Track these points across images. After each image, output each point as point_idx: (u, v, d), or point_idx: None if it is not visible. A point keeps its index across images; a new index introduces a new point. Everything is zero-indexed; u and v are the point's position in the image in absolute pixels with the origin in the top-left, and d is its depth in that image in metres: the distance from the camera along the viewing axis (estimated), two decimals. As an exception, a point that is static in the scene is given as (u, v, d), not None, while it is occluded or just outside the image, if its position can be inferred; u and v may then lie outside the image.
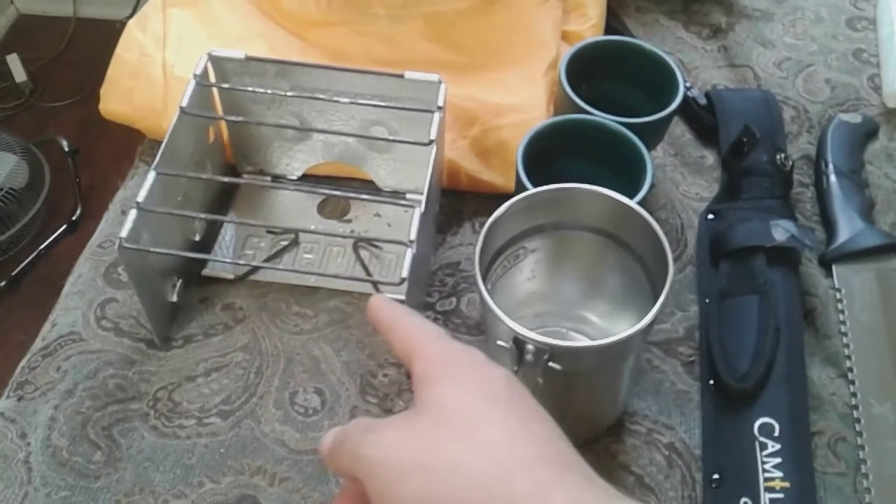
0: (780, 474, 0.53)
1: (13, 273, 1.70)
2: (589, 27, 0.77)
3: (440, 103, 0.60)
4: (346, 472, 0.33)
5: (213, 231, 0.68)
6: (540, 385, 0.43)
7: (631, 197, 0.54)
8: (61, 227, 1.77)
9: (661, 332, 0.62)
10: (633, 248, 0.52)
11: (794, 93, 0.79)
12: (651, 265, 0.51)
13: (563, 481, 0.29)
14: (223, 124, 0.68)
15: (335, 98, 0.62)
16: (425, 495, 0.29)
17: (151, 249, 0.55)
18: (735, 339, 0.59)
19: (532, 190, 0.52)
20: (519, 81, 0.72)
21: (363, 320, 0.63)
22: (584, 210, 0.53)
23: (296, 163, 0.71)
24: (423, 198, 0.55)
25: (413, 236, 0.53)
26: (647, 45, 0.65)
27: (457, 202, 0.70)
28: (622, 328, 0.44)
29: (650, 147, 0.60)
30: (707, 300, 0.63)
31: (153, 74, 0.71)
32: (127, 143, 0.77)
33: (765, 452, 0.54)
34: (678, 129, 0.76)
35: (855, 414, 0.57)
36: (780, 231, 0.62)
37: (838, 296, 0.63)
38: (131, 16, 0.76)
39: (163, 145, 0.57)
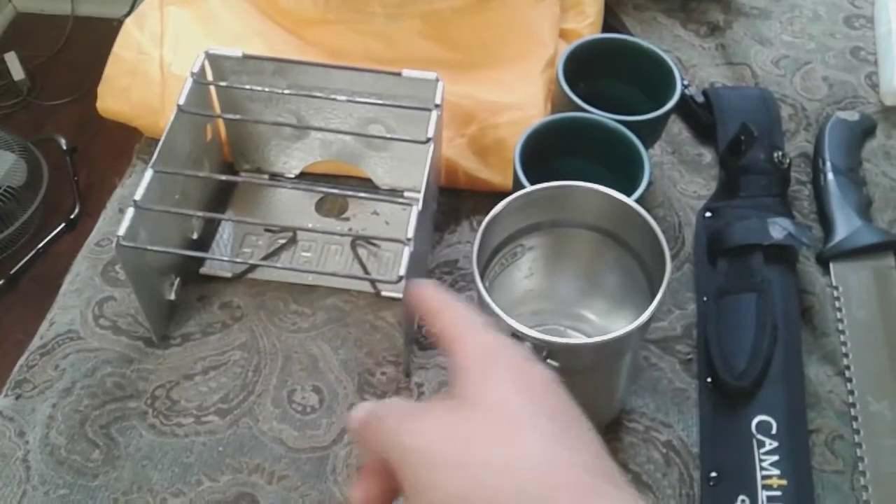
0: (777, 472, 0.53)
1: (11, 272, 1.70)
2: (587, 25, 0.77)
3: (437, 101, 0.60)
4: (377, 450, 0.33)
5: (210, 229, 0.68)
6: None
7: (628, 195, 0.54)
8: (59, 225, 1.77)
9: (659, 329, 0.62)
10: (630, 245, 0.52)
11: (792, 91, 0.79)
12: (649, 263, 0.51)
13: (602, 492, 0.28)
14: (221, 122, 0.68)
15: (332, 96, 0.62)
16: (461, 493, 0.29)
17: (149, 248, 0.55)
18: (733, 336, 0.59)
19: (529, 188, 0.52)
20: (516, 79, 0.72)
21: (361, 318, 0.63)
22: (582, 208, 0.53)
23: (293, 161, 0.71)
24: (421, 196, 0.55)
25: (410, 234, 0.53)
26: (645, 43, 0.65)
27: (454, 200, 0.70)
28: (620, 326, 0.44)
29: (648, 145, 0.60)
30: (705, 298, 0.63)
31: (150, 73, 0.71)
32: (125, 142, 0.77)
33: (762, 450, 0.54)
34: (676, 126, 0.76)
35: (852, 412, 0.58)
36: (778, 229, 0.62)
37: (836, 293, 0.64)
38: (129, 14, 0.76)
39: (160, 143, 0.57)
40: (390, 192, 0.71)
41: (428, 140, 0.58)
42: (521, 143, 0.58)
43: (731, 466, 0.54)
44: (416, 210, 0.54)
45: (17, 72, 2.05)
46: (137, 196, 0.55)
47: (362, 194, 0.64)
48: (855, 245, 0.65)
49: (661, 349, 0.61)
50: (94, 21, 2.16)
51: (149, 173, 0.56)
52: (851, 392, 0.58)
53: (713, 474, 0.54)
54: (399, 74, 0.62)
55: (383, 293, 0.64)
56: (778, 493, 0.52)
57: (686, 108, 0.76)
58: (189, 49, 0.66)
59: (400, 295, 0.53)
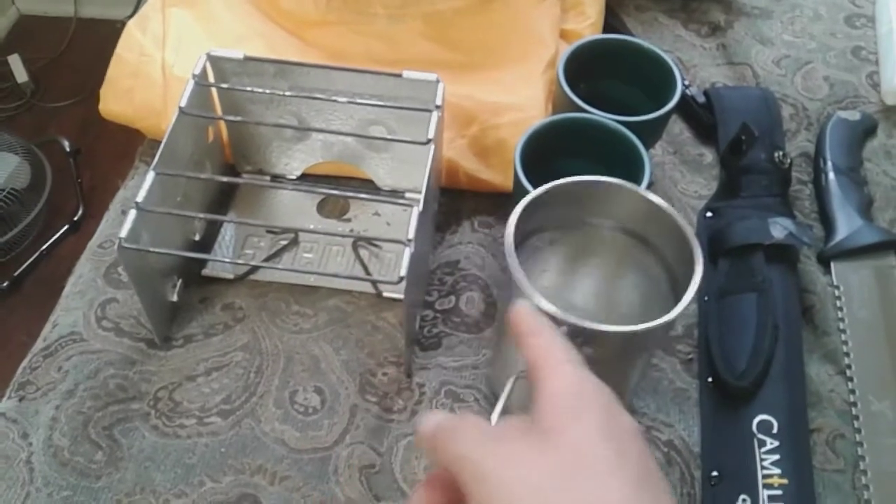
0: (778, 471, 0.53)
1: (15, 273, 1.70)
2: (587, 25, 0.78)
3: (438, 102, 0.60)
4: (446, 464, 0.33)
5: (212, 231, 0.68)
6: None
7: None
8: (63, 227, 1.77)
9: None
10: (658, 249, 0.51)
11: (793, 90, 0.79)
12: (675, 268, 0.49)
13: None
14: (222, 124, 0.68)
15: (334, 97, 0.62)
16: None
17: (151, 249, 0.56)
18: (734, 336, 0.59)
19: (564, 180, 0.50)
20: (517, 80, 0.72)
21: (363, 319, 0.63)
22: (612, 206, 0.51)
23: (295, 162, 0.71)
24: (422, 197, 0.55)
25: (411, 235, 0.53)
26: (645, 44, 0.65)
27: (456, 201, 0.70)
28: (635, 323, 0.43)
29: (648, 145, 0.60)
30: (706, 298, 0.63)
31: (153, 74, 0.71)
32: (128, 144, 0.77)
33: (763, 450, 0.54)
34: (677, 127, 0.76)
35: (853, 411, 0.58)
36: (779, 229, 0.62)
37: (837, 293, 0.64)
38: (132, 16, 0.76)
39: (162, 145, 0.58)
40: (391, 193, 0.71)
41: (429, 141, 0.58)
42: (521, 143, 0.58)
43: (733, 466, 0.54)
44: (416, 211, 0.54)
45: (21, 74, 2.05)
46: (139, 198, 0.55)
47: (363, 195, 0.64)
48: (856, 244, 0.65)
49: (663, 349, 0.61)
50: (98, 23, 2.16)
51: (150, 175, 0.56)
52: (852, 391, 0.58)
53: (714, 474, 0.54)
54: (400, 76, 0.62)
55: (385, 294, 0.64)
56: (779, 492, 0.52)
57: (687, 109, 0.76)
58: (191, 51, 0.67)
59: (401, 296, 0.53)
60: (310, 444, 0.57)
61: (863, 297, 0.63)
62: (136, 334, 0.62)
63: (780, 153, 0.67)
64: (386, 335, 0.62)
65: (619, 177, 0.58)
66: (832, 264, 0.65)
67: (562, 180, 0.50)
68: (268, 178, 0.72)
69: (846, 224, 0.66)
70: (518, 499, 0.29)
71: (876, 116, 0.76)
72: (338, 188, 0.66)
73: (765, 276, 0.61)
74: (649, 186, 0.56)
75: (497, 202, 0.69)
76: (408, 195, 0.70)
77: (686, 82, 0.77)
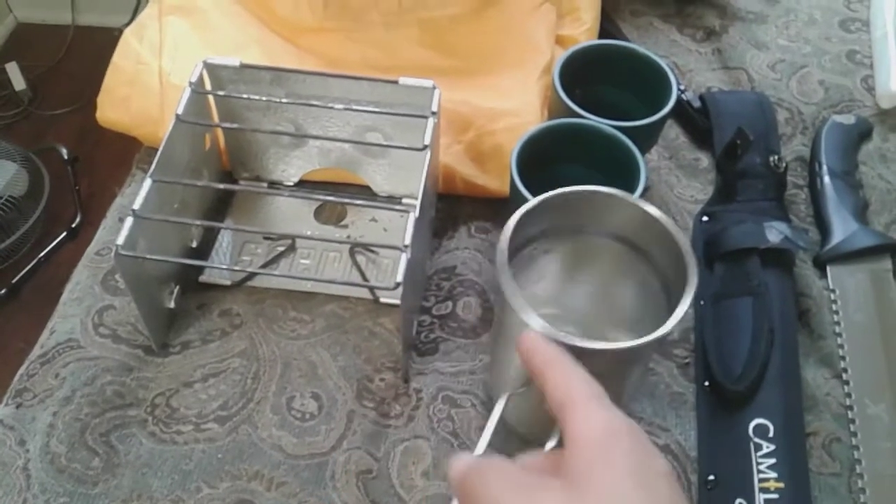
0: (774, 475, 0.53)
1: (13, 281, 1.70)
2: (583, 31, 0.78)
3: (434, 108, 0.60)
4: None
5: (210, 237, 0.68)
6: None
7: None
8: (61, 234, 1.77)
9: (657, 334, 0.62)
10: (652, 257, 0.51)
11: (788, 94, 0.79)
12: (669, 276, 0.49)
13: None
14: (219, 131, 0.69)
15: (330, 104, 0.62)
16: None
17: (148, 256, 0.56)
18: (730, 340, 0.59)
19: (558, 190, 0.49)
20: (513, 86, 0.72)
21: (360, 325, 0.63)
22: (606, 215, 0.51)
23: (292, 169, 0.71)
24: (418, 202, 0.55)
25: (408, 241, 0.53)
26: (640, 49, 0.66)
27: (453, 206, 0.71)
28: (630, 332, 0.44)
29: (644, 150, 0.61)
30: (702, 302, 0.63)
31: (150, 82, 0.71)
32: (126, 151, 0.77)
33: (759, 453, 0.54)
34: (673, 131, 0.77)
35: (849, 414, 0.58)
36: (774, 233, 0.62)
37: (833, 297, 0.64)
38: (129, 24, 0.76)
39: (159, 153, 0.58)
40: (388, 199, 0.71)
41: (425, 147, 0.58)
42: (517, 149, 0.58)
43: (729, 470, 0.54)
44: (413, 217, 0.54)
45: (19, 82, 2.06)
46: (136, 205, 0.55)
47: (360, 201, 0.64)
48: (852, 248, 0.65)
49: (659, 353, 0.61)
50: (95, 31, 2.17)
51: (147, 182, 0.56)
52: (849, 395, 0.59)
53: (711, 478, 0.54)
54: (396, 82, 0.62)
55: (382, 300, 0.64)
56: (775, 496, 0.52)
57: (683, 113, 0.77)
58: (188, 59, 0.67)
59: (398, 301, 0.53)
60: (307, 449, 0.57)
61: (858, 300, 0.63)
62: (134, 341, 0.62)
63: (776, 157, 0.67)
64: (383, 341, 0.62)
65: (614, 181, 0.58)
66: (828, 268, 0.65)
67: (556, 191, 0.50)
68: (265, 184, 0.73)
69: (842, 228, 0.66)
70: None
71: (871, 120, 0.76)
72: (335, 194, 0.67)
73: (761, 280, 0.61)
74: (645, 191, 0.57)
75: (494, 207, 0.70)
76: (405, 201, 0.70)
77: (681, 87, 0.77)
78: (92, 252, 0.69)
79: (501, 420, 0.54)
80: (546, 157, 0.60)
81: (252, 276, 0.66)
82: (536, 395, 0.46)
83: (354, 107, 0.62)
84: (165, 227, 0.60)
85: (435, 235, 0.69)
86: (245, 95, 0.64)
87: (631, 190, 0.56)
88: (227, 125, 0.67)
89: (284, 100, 0.63)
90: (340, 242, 0.68)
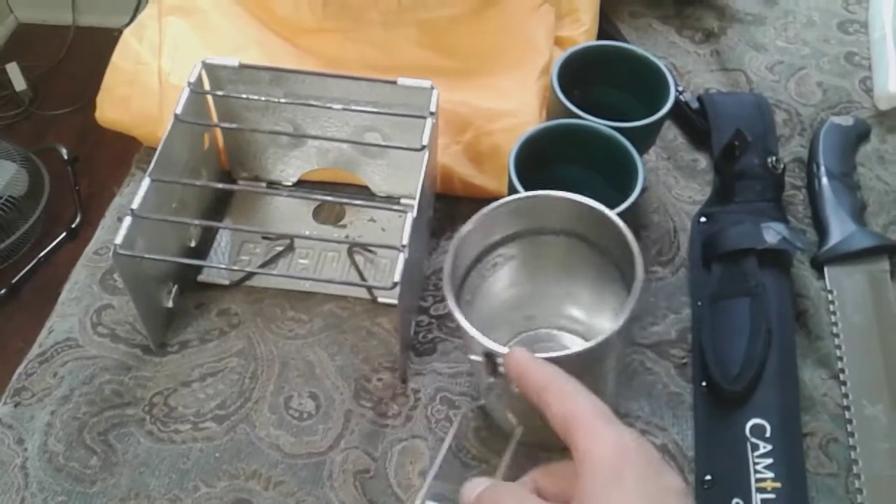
0: (771, 475, 0.53)
1: (13, 281, 1.70)
2: (582, 32, 0.78)
3: (432, 109, 0.60)
4: None
5: (208, 237, 0.68)
6: (516, 394, 0.43)
7: (623, 200, 0.54)
8: (61, 234, 1.77)
9: (654, 334, 0.62)
10: (609, 251, 0.53)
11: (787, 96, 0.79)
12: (625, 268, 0.50)
13: None
14: (218, 131, 0.69)
15: (329, 104, 0.62)
16: None
17: (146, 256, 0.56)
18: (727, 341, 0.59)
19: (497, 202, 0.52)
20: (512, 86, 0.72)
21: (358, 325, 0.63)
22: (556, 216, 0.53)
23: (290, 169, 0.72)
24: (416, 203, 0.55)
25: (405, 241, 0.53)
26: (639, 50, 0.66)
27: (451, 207, 0.71)
28: (605, 320, 0.44)
29: (642, 151, 0.61)
30: (699, 303, 0.63)
31: (149, 82, 0.71)
32: (126, 152, 0.77)
33: (756, 453, 0.54)
34: (671, 132, 0.77)
35: (847, 415, 0.58)
36: (772, 233, 0.62)
37: (830, 297, 0.64)
38: (130, 24, 0.76)
39: (157, 152, 0.58)
40: (387, 199, 0.71)
41: (423, 147, 0.59)
42: (515, 149, 0.59)
43: (726, 470, 0.54)
44: (410, 217, 0.55)
45: (19, 82, 2.06)
46: (134, 205, 0.55)
47: (359, 201, 0.64)
48: (849, 249, 0.65)
49: (657, 353, 0.61)
50: (96, 31, 2.17)
51: (146, 182, 0.57)
52: (846, 395, 0.59)
53: (708, 478, 0.54)
54: (394, 83, 0.62)
55: (380, 300, 0.64)
56: (772, 495, 0.52)
57: (681, 115, 0.77)
58: (187, 59, 0.67)
59: (396, 301, 0.53)
60: (304, 449, 0.57)
61: (856, 301, 0.63)
62: (132, 340, 0.63)
63: (774, 158, 0.68)
64: (381, 341, 0.62)
65: (613, 182, 0.59)
66: (825, 269, 0.65)
67: (501, 201, 0.52)
68: (263, 184, 0.73)
69: (839, 229, 0.66)
70: None
71: (869, 122, 0.76)
72: (333, 194, 0.67)
73: (758, 281, 0.61)
74: (643, 192, 0.57)
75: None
76: (403, 201, 0.70)
77: (680, 88, 0.77)
78: (90, 251, 0.69)
79: (489, 418, 0.55)
80: (544, 158, 0.60)
81: (250, 275, 0.66)
82: (497, 406, 0.47)
83: (353, 107, 0.62)
84: (164, 226, 0.60)
85: (433, 236, 0.69)
86: (244, 95, 0.64)
87: (629, 190, 0.56)
88: (226, 125, 0.67)
89: (283, 100, 0.63)
90: (339, 242, 0.68)
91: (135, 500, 0.55)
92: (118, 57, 0.74)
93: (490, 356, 0.45)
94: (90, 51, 2.07)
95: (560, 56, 0.65)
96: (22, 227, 1.68)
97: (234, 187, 0.68)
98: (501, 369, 0.44)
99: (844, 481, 0.55)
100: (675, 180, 0.73)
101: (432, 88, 0.61)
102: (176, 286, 0.64)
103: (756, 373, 0.57)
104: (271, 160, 0.71)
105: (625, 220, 0.50)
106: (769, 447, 0.54)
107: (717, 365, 0.58)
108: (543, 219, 0.54)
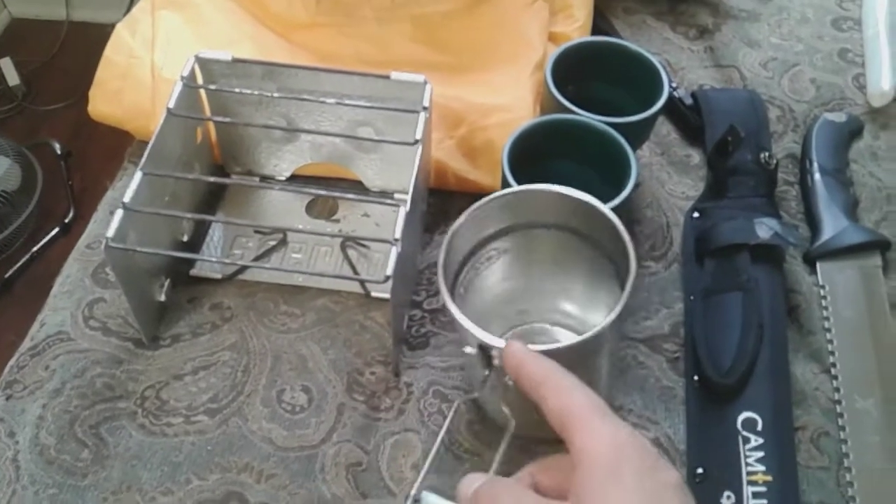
0: (762, 468, 0.53)
1: (6, 276, 1.70)
2: (576, 28, 0.78)
3: (426, 103, 0.60)
4: None
5: (201, 231, 0.68)
6: (511, 387, 0.43)
7: (616, 196, 0.54)
8: (54, 229, 1.77)
9: (647, 328, 0.63)
10: (600, 243, 0.53)
11: (780, 92, 0.79)
12: (618, 261, 0.51)
13: None
14: (211, 125, 0.69)
15: (322, 99, 0.62)
16: None
17: (138, 249, 0.56)
18: (719, 335, 0.59)
19: (490, 196, 0.52)
20: (506, 82, 0.72)
21: (351, 319, 0.63)
22: (548, 209, 0.53)
23: (284, 163, 0.71)
24: (408, 197, 0.55)
25: (398, 235, 0.53)
26: (632, 46, 0.66)
27: (444, 202, 0.71)
28: (598, 314, 0.45)
29: (635, 146, 0.61)
30: (692, 297, 0.63)
31: (142, 76, 0.71)
32: (119, 146, 0.77)
33: (748, 447, 0.54)
34: (664, 128, 0.77)
35: (838, 409, 0.58)
36: (764, 229, 0.62)
37: (822, 292, 0.64)
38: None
39: (149, 146, 0.58)
40: (380, 193, 0.71)
41: (416, 142, 0.59)
42: (509, 144, 0.59)
43: (717, 463, 0.54)
44: (403, 211, 0.55)
45: (12, 77, 2.05)
46: (126, 198, 0.55)
47: (352, 196, 0.64)
48: (841, 244, 0.65)
49: (649, 348, 0.62)
50: (89, 26, 2.16)
51: (138, 175, 0.56)
52: (837, 389, 0.59)
53: (699, 471, 0.54)
54: (388, 77, 0.62)
55: (373, 294, 0.64)
56: (763, 488, 0.52)
57: (675, 111, 0.77)
58: (180, 53, 0.67)
59: (388, 295, 0.53)
60: (297, 442, 0.57)
61: (848, 296, 0.64)
62: (124, 334, 0.62)
63: (767, 154, 0.68)
64: (374, 335, 0.62)
65: (606, 177, 0.59)
66: (818, 264, 0.66)
67: (493, 195, 0.52)
68: (257, 179, 0.72)
69: (832, 224, 0.67)
70: None
71: (862, 118, 0.76)
72: (326, 189, 0.67)
73: (750, 276, 0.61)
74: (636, 187, 0.57)
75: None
76: (396, 196, 0.70)
77: (673, 84, 0.77)
78: (83, 245, 0.69)
79: (482, 412, 0.55)
80: (538, 153, 0.60)
81: (243, 269, 0.66)
82: (491, 398, 0.47)
83: (346, 101, 0.62)
84: (156, 220, 0.60)
85: (426, 230, 0.69)
86: (237, 90, 0.64)
87: (622, 185, 0.56)
88: (219, 119, 0.67)
89: (276, 94, 0.63)
90: (332, 236, 0.68)
91: (126, 492, 0.54)
92: (111, 51, 0.73)
93: (485, 349, 0.45)
94: (84, 46, 2.06)
95: (554, 52, 0.65)
96: (15, 222, 1.68)
97: (227, 181, 0.68)
98: (496, 362, 0.44)
99: (835, 474, 0.55)
100: (669, 176, 0.73)
101: (425, 83, 0.61)
102: (168, 280, 0.63)
103: (748, 367, 0.57)
104: (264, 154, 0.71)
105: (618, 215, 0.50)
106: (761, 440, 0.54)
107: (709, 359, 0.58)
108: (536, 213, 0.54)
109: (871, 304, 0.63)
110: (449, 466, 0.55)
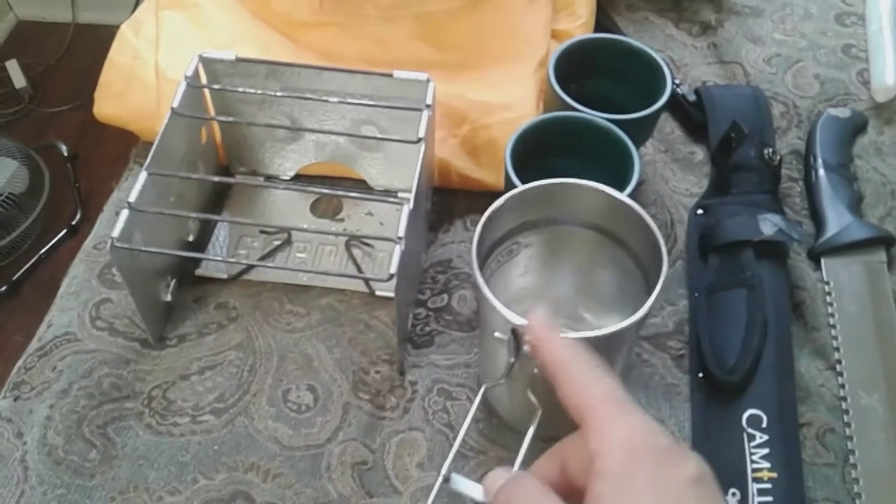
0: (767, 465, 0.53)
1: (14, 278, 1.70)
2: (579, 25, 0.78)
3: (429, 102, 0.60)
4: None
5: (206, 231, 0.68)
6: (536, 375, 0.43)
7: (619, 193, 0.54)
8: (61, 231, 1.78)
9: (652, 326, 0.63)
10: (626, 243, 0.53)
11: (784, 88, 0.79)
12: (645, 260, 0.51)
13: None
14: (215, 125, 0.69)
15: (325, 98, 0.62)
16: None
17: (143, 249, 0.56)
18: (724, 332, 0.60)
19: (527, 185, 0.52)
20: (509, 80, 0.72)
21: (355, 318, 0.63)
22: (579, 205, 0.53)
23: (288, 163, 0.72)
24: (412, 195, 0.56)
25: (402, 233, 0.54)
26: (635, 43, 0.66)
27: (448, 200, 0.71)
28: (613, 325, 0.44)
29: (639, 143, 0.61)
30: (696, 294, 0.63)
31: (146, 77, 0.71)
32: (126, 148, 0.77)
33: (753, 444, 0.54)
34: (668, 125, 0.77)
35: (843, 405, 0.58)
36: (768, 225, 0.62)
37: (827, 289, 0.64)
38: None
39: (154, 146, 0.58)
40: (384, 192, 0.71)
41: (419, 140, 0.59)
42: (512, 142, 0.59)
43: (722, 460, 0.54)
44: (407, 209, 0.55)
45: (19, 79, 2.06)
46: (131, 198, 0.55)
47: (356, 195, 0.64)
48: (846, 240, 0.65)
49: (654, 345, 0.62)
50: (95, 28, 2.17)
51: (143, 175, 0.57)
52: (842, 386, 0.59)
53: (704, 468, 0.54)
54: (391, 76, 0.62)
55: (377, 293, 0.65)
56: (768, 485, 0.52)
57: (678, 107, 0.77)
58: (184, 53, 0.67)
59: (392, 294, 0.53)
60: (302, 441, 0.57)
61: (853, 292, 0.64)
62: (131, 334, 0.63)
63: (770, 150, 0.68)
64: (379, 333, 0.63)
65: (609, 174, 0.59)
66: (822, 260, 0.66)
67: (527, 186, 0.51)
68: (261, 178, 0.73)
69: (836, 220, 0.67)
70: None
71: (866, 114, 0.76)
72: (331, 188, 0.67)
73: (754, 273, 0.61)
74: (640, 185, 0.57)
75: (489, 201, 0.68)
76: (400, 194, 0.70)
77: (677, 81, 0.77)
78: (89, 246, 0.69)
79: (492, 410, 0.55)
80: (541, 151, 0.60)
81: (248, 269, 0.66)
82: (516, 386, 0.47)
83: (349, 100, 0.62)
84: (162, 220, 0.60)
85: (431, 229, 0.69)
86: (240, 89, 0.64)
87: (625, 183, 0.56)
88: (223, 118, 0.67)
89: (280, 93, 0.63)
90: (336, 235, 0.68)
91: (134, 492, 0.55)
92: (115, 52, 0.74)
93: (516, 333, 0.45)
94: (90, 48, 2.07)
95: (557, 49, 0.65)
96: (22, 224, 1.68)
97: (232, 181, 0.68)
98: (526, 348, 0.44)
99: (841, 471, 0.55)
100: (673, 173, 0.73)
101: (428, 81, 0.61)
102: (174, 280, 0.64)
103: (752, 364, 0.57)
104: (268, 154, 0.71)
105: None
106: (765, 437, 0.54)
107: (713, 356, 0.58)
108: (565, 208, 0.53)
109: (875, 299, 0.63)
110: (454, 464, 0.55)
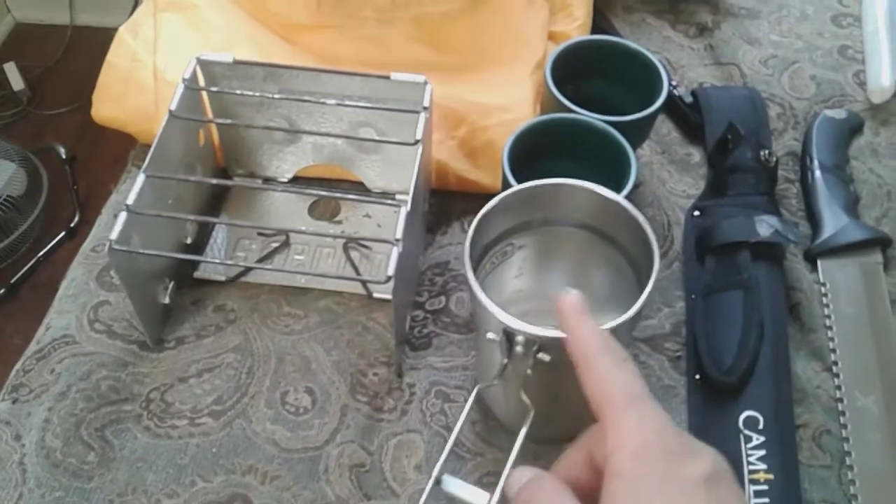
0: (764, 467, 0.53)
1: (12, 280, 1.70)
2: (576, 27, 0.78)
3: (426, 104, 0.61)
4: None
5: (204, 233, 0.68)
6: (529, 376, 0.44)
7: (616, 194, 0.54)
8: (60, 234, 1.78)
9: (648, 328, 0.63)
10: (619, 243, 0.53)
11: (780, 90, 0.80)
12: (637, 259, 0.51)
13: None
14: (213, 127, 0.69)
15: (323, 100, 0.63)
16: None
17: (141, 251, 0.56)
18: (720, 333, 0.60)
19: (520, 185, 0.52)
20: (506, 82, 0.72)
21: (353, 320, 0.64)
22: (572, 206, 0.53)
23: (286, 165, 0.72)
24: (409, 197, 0.56)
25: (399, 235, 0.54)
26: (632, 44, 0.66)
27: (445, 202, 0.71)
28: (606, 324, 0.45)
29: (636, 145, 0.61)
30: (693, 296, 0.63)
31: (144, 80, 0.72)
32: (124, 151, 0.77)
33: (749, 445, 0.54)
34: (665, 127, 0.77)
35: (839, 407, 0.58)
36: (765, 226, 0.63)
37: (823, 290, 0.64)
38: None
39: (152, 148, 0.58)
40: (382, 194, 0.71)
41: (417, 142, 0.59)
42: (509, 144, 0.59)
43: (719, 461, 0.54)
44: (404, 211, 0.55)
45: (17, 82, 2.06)
46: (129, 200, 0.55)
47: (354, 197, 0.64)
48: (842, 242, 0.65)
49: (651, 347, 0.62)
50: (94, 31, 2.17)
51: (141, 178, 0.57)
52: (839, 387, 0.59)
53: (701, 469, 0.54)
54: (388, 78, 0.62)
55: (375, 295, 0.65)
56: (765, 486, 0.52)
57: (675, 109, 0.77)
58: (182, 56, 0.67)
59: (390, 296, 0.54)
60: (300, 443, 0.57)
61: (849, 294, 0.64)
62: (129, 336, 0.63)
63: (767, 152, 0.68)
64: (376, 336, 0.63)
65: (606, 176, 0.59)
66: (818, 262, 0.66)
67: (519, 187, 0.52)
68: (259, 180, 0.73)
69: (832, 222, 0.67)
70: None
71: (862, 115, 0.77)
72: (328, 190, 0.67)
73: (751, 274, 0.61)
74: (637, 186, 0.57)
75: (487, 203, 0.70)
76: (398, 197, 0.71)
77: (673, 83, 0.77)
78: (87, 249, 0.69)
79: (488, 412, 0.55)
80: (538, 153, 0.60)
81: (246, 271, 0.66)
82: (510, 387, 0.47)
83: (347, 102, 0.63)
84: (160, 222, 0.60)
85: (428, 231, 0.69)
86: (238, 91, 0.64)
87: (622, 185, 0.56)
88: (221, 121, 0.67)
89: (277, 95, 0.64)
90: (334, 237, 0.68)
91: (132, 495, 0.55)
92: (113, 54, 0.74)
93: (509, 334, 0.45)
94: (88, 50, 2.07)
95: (554, 51, 0.65)
96: (20, 227, 1.68)
97: (230, 183, 0.69)
98: (518, 348, 0.44)
99: (837, 473, 0.55)
100: (669, 174, 0.73)
101: (426, 83, 0.62)
102: (172, 282, 0.64)
103: (749, 365, 0.57)
104: (266, 156, 0.71)
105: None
106: (762, 439, 0.54)
107: (710, 357, 0.59)
108: (558, 209, 0.53)
109: (872, 301, 0.63)
110: (450, 466, 0.55)
